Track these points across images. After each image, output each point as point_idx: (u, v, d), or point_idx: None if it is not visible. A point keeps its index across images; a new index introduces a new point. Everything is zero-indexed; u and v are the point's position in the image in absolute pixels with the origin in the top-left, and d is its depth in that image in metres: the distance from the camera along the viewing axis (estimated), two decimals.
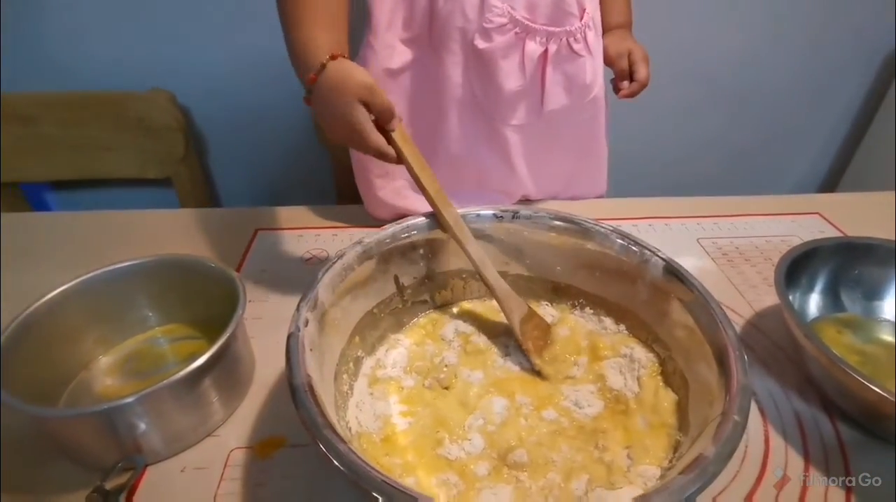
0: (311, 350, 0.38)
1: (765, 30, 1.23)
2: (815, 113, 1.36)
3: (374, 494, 0.28)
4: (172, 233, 0.73)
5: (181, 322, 0.55)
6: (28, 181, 1.11)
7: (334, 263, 0.45)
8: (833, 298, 0.54)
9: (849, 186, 1.35)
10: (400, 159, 0.48)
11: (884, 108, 1.29)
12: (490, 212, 0.51)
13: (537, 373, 0.47)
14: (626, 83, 0.69)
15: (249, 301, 0.58)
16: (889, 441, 0.43)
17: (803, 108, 1.35)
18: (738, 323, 0.58)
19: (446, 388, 0.46)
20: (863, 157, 1.34)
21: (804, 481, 0.42)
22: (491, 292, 0.49)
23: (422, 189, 0.48)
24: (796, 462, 0.43)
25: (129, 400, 0.39)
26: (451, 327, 0.51)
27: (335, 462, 0.30)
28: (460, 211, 0.51)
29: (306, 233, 0.72)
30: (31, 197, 1.20)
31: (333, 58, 0.46)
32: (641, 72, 0.68)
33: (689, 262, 0.67)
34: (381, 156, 0.47)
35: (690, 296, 0.42)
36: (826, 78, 1.32)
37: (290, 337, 0.38)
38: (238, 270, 0.66)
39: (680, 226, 0.74)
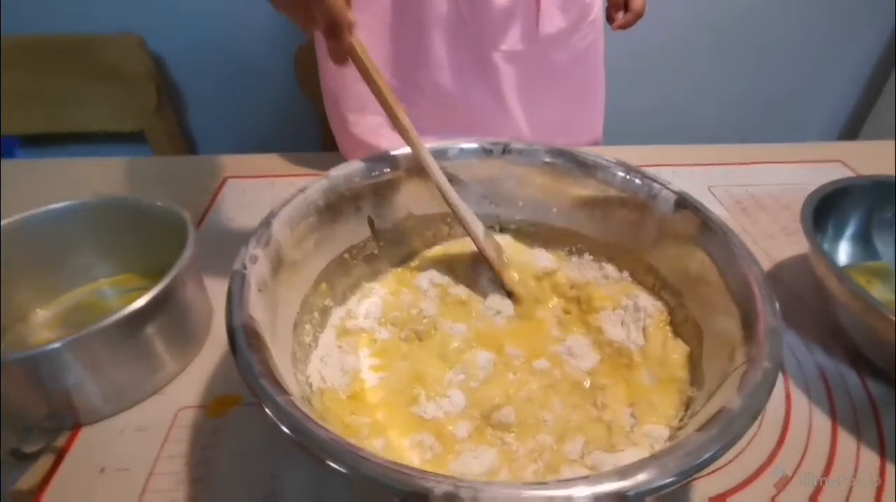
0: (259, 291, 0.32)
1: None
2: (834, 60, 1.28)
3: (317, 453, 0.23)
4: (136, 181, 0.67)
5: (132, 272, 0.49)
6: None
7: (294, 197, 0.39)
8: (864, 245, 0.48)
9: (869, 137, 1.28)
10: (351, 54, 0.39)
11: None
12: (477, 145, 0.45)
13: (524, 320, 0.41)
14: (620, 14, 0.63)
15: (210, 252, 0.52)
16: None
17: (821, 54, 1.26)
18: None
19: (422, 341, 0.40)
20: (885, 105, 1.25)
21: (832, 440, 0.37)
22: (447, 202, 0.42)
23: (373, 85, 0.40)
24: (822, 421, 0.38)
25: (56, 345, 0.34)
26: (426, 278, 0.44)
27: (272, 416, 0.24)
28: (444, 144, 0.44)
29: (279, 181, 0.66)
30: (2, 151, 1.13)
31: None
32: (637, 2, 0.62)
33: None
34: (333, 28, 0.37)
35: (707, 232, 0.36)
36: (845, 22, 1.23)
37: (233, 274, 0.32)
38: (202, 219, 0.60)
39: (689, 173, 0.68)
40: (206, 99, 1.13)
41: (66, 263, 0.47)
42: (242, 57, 1.08)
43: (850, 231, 0.47)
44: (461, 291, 0.44)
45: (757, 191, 0.65)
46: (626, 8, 0.63)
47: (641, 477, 0.21)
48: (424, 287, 0.44)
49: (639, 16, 0.63)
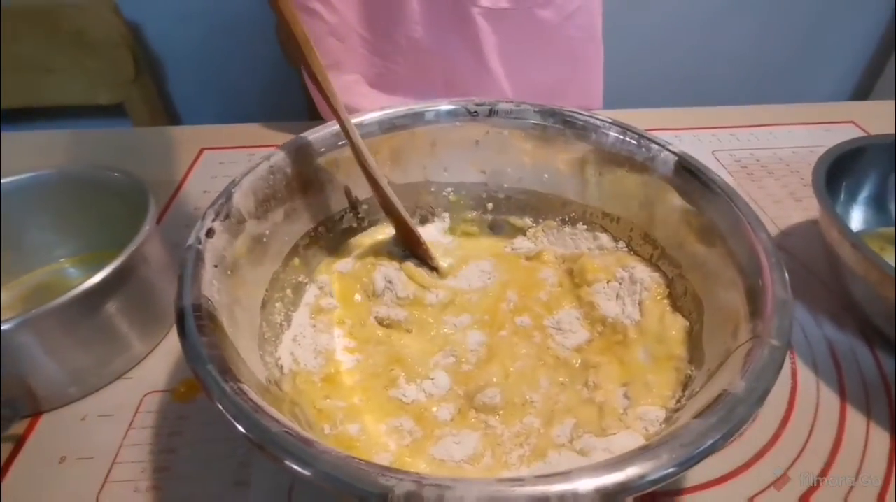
0: (215, 266, 0.29)
1: None
2: (844, 17, 1.21)
3: (266, 448, 0.20)
4: (109, 155, 0.63)
5: (100, 250, 0.46)
6: None
7: (258, 165, 0.36)
8: (878, 209, 0.45)
9: (882, 97, 1.22)
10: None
11: None
12: (461, 106, 0.41)
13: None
14: None
15: (186, 226, 0.50)
16: None
17: (831, 11, 1.20)
18: None
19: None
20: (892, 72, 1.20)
21: (840, 419, 0.34)
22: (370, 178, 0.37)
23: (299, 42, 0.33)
24: (830, 399, 0.35)
25: (6, 326, 0.31)
26: (381, 275, 0.40)
27: (218, 406, 0.22)
28: (423, 106, 0.41)
29: (258, 151, 0.63)
30: None
31: None
32: None
33: None
34: None
35: (710, 195, 0.32)
36: None
37: (185, 249, 0.29)
38: (176, 193, 0.57)
39: (692, 137, 0.64)
40: (187, 68, 1.08)
41: (25, 242, 0.44)
42: (224, 21, 1.02)
43: (864, 194, 0.44)
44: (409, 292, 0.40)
45: (764, 154, 0.61)
46: None
47: (631, 472, 0.19)
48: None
49: None
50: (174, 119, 1.13)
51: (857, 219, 0.44)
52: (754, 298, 0.26)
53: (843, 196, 0.43)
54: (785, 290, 0.25)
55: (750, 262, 0.28)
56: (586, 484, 0.18)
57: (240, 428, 0.21)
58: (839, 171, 0.41)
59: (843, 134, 0.64)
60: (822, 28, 1.22)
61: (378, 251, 0.42)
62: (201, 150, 0.63)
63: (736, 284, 0.28)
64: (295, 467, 0.19)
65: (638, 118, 0.65)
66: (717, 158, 0.61)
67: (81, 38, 0.89)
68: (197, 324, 0.25)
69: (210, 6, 1.00)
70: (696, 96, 0.92)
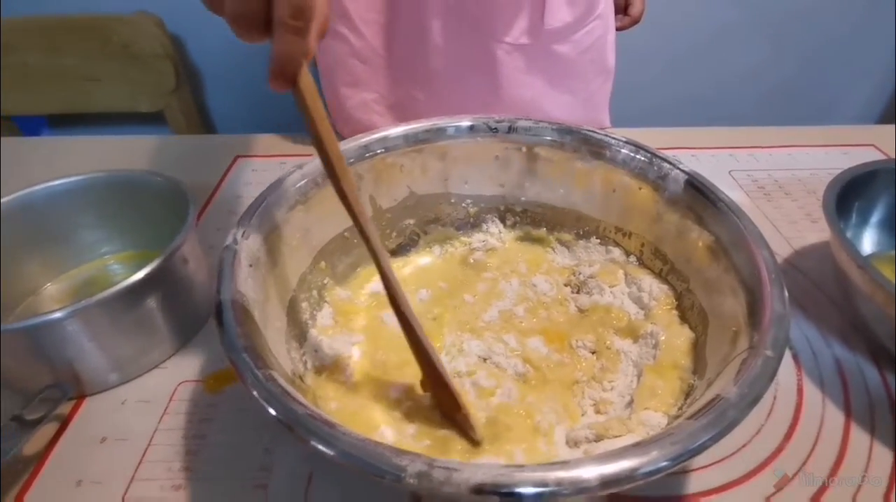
0: (250, 266, 0.32)
1: None
2: (870, 38, 1.20)
3: (294, 429, 0.22)
4: (148, 160, 0.68)
5: (141, 249, 0.50)
6: (15, 113, 1.07)
7: (291, 174, 0.39)
8: (890, 232, 0.45)
9: None
10: (294, 87, 0.27)
11: None
12: (482, 122, 0.43)
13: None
14: (619, 17, 0.67)
15: (218, 229, 0.53)
16: None
17: (857, 33, 1.19)
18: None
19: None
20: None
21: (844, 436, 0.35)
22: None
23: (329, 160, 0.29)
24: (835, 416, 0.36)
25: (58, 315, 0.34)
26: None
27: (251, 390, 0.24)
28: (445, 121, 0.43)
29: (288, 160, 0.66)
30: (27, 131, 1.16)
31: None
32: (636, 7, 0.66)
33: None
34: (298, 16, 0.24)
35: (716, 213, 0.34)
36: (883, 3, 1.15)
37: (223, 250, 0.32)
38: (212, 198, 0.60)
39: (710, 157, 0.65)
40: (223, 79, 1.13)
41: (74, 239, 0.47)
42: None
43: (876, 217, 0.44)
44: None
45: (781, 175, 0.62)
46: (625, 12, 0.66)
47: (625, 464, 0.21)
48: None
49: (636, 21, 0.67)
50: (209, 127, 1.19)
51: (869, 241, 0.45)
52: (753, 311, 0.27)
53: (854, 218, 0.44)
54: (783, 305, 0.27)
55: (751, 277, 0.29)
56: (585, 473, 0.20)
57: (271, 410, 0.23)
58: (852, 194, 0.42)
59: (863, 157, 0.64)
60: (847, 52, 1.22)
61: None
62: (236, 158, 0.67)
63: (738, 297, 0.29)
64: (320, 447, 0.22)
65: (656, 136, 0.67)
66: (734, 178, 0.62)
67: (128, 50, 0.95)
68: (234, 317, 0.28)
69: None
70: (721, 117, 0.93)
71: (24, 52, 0.95)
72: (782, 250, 0.51)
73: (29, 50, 0.95)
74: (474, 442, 0.31)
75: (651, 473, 0.20)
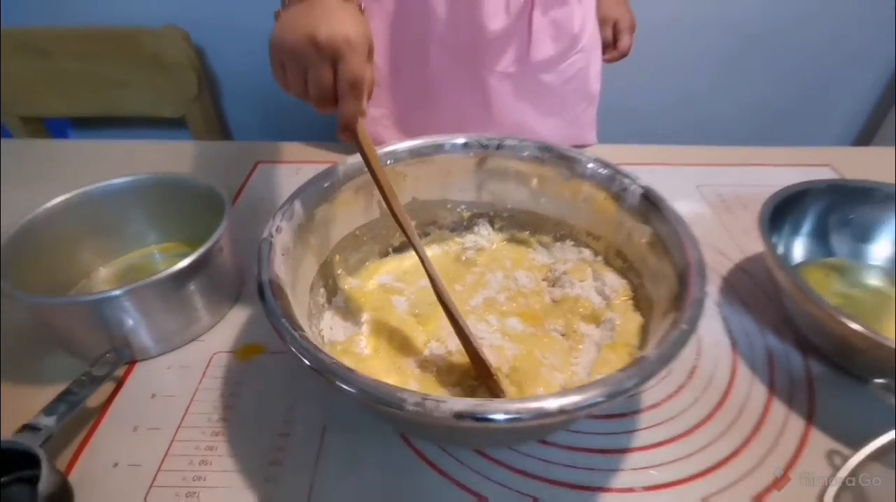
0: (282, 254, 0.39)
1: None
2: (850, 68, 1.29)
3: (324, 374, 0.30)
4: (175, 164, 0.75)
5: (178, 240, 0.57)
6: (48, 116, 1.15)
7: (315, 180, 0.46)
8: (822, 242, 0.53)
9: (883, 143, 1.29)
10: (355, 136, 0.39)
11: None
12: (474, 140, 0.51)
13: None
14: (608, 51, 0.75)
15: (243, 226, 0.60)
16: (857, 375, 0.43)
17: (837, 62, 1.28)
18: (727, 265, 0.57)
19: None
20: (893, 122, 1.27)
21: (765, 408, 0.42)
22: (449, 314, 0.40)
23: (380, 185, 0.41)
24: (760, 391, 0.44)
25: (117, 292, 0.42)
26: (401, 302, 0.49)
27: (290, 346, 0.31)
28: (443, 139, 0.51)
29: (305, 166, 0.73)
30: (55, 133, 1.24)
31: None
32: (623, 42, 0.74)
33: (684, 206, 0.64)
34: (354, 88, 0.36)
35: (663, 221, 0.41)
36: (863, 32, 1.24)
37: (262, 241, 0.39)
38: (236, 199, 0.68)
39: (681, 172, 0.73)
40: (240, 89, 1.21)
41: (123, 230, 0.55)
42: None
43: (806, 230, 0.51)
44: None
45: (743, 190, 0.69)
46: (614, 46, 0.75)
47: (573, 399, 0.28)
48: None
49: (623, 55, 0.75)
50: (226, 132, 1.27)
51: (802, 250, 0.52)
52: (680, 296, 0.35)
53: (792, 229, 0.52)
54: (701, 291, 0.34)
55: (682, 271, 0.37)
56: (547, 404, 0.27)
57: (305, 361, 0.31)
58: (787, 209, 0.50)
59: (820, 175, 0.71)
60: (827, 80, 1.30)
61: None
62: (256, 164, 0.75)
63: (672, 287, 0.37)
64: (343, 386, 0.29)
65: (635, 153, 0.75)
66: (700, 192, 0.69)
67: (156, 59, 1.03)
68: (273, 293, 0.35)
69: (265, 29, 1.13)
70: (703, 135, 1.01)
71: (61, 58, 1.03)
72: (735, 256, 0.58)
73: (66, 57, 1.03)
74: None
75: (591, 405, 0.28)
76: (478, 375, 0.40)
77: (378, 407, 0.29)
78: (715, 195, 0.68)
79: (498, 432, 0.33)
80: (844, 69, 1.30)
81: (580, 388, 0.29)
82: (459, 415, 0.27)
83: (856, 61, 1.30)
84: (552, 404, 0.28)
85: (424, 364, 0.43)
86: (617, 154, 0.75)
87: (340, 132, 0.39)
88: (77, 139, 1.27)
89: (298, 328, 0.33)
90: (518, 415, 0.28)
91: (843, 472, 0.31)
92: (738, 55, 1.26)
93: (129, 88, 1.08)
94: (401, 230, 0.42)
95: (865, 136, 1.37)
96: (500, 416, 0.27)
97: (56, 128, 1.24)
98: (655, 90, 1.26)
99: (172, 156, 0.77)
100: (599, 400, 0.28)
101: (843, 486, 0.31)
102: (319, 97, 0.37)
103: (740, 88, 1.30)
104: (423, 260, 0.41)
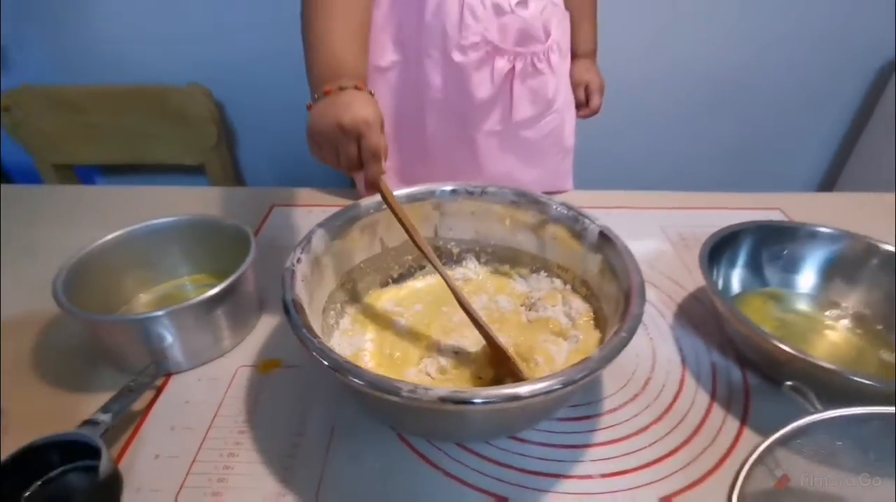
0: (301, 281, 0.48)
1: (765, 36, 1.30)
2: (813, 118, 1.42)
3: (338, 370, 0.38)
4: (198, 207, 0.84)
5: (207, 273, 0.66)
6: (80, 164, 1.26)
7: (329, 219, 0.55)
8: (758, 274, 0.61)
9: (845, 188, 1.41)
10: (380, 190, 0.50)
11: (877, 114, 1.34)
12: (462, 187, 0.61)
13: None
14: (581, 109, 0.87)
15: (261, 263, 0.69)
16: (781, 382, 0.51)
17: (801, 112, 1.41)
18: (682, 294, 0.66)
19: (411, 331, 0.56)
20: (858, 161, 1.39)
21: (706, 412, 0.50)
22: (476, 325, 0.49)
23: (401, 223, 0.51)
24: (703, 399, 0.51)
25: (159, 313, 0.50)
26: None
27: (311, 350, 0.40)
28: (437, 185, 0.60)
29: (316, 209, 0.83)
30: (83, 178, 1.35)
31: (358, 88, 0.50)
32: (594, 101, 0.86)
33: (648, 244, 0.75)
34: (375, 158, 0.48)
35: (615, 254, 0.50)
36: (824, 83, 1.38)
37: (286, 269, 0.48)
38: (256, 236, 0.77)
39: (647, 214, 0.82)
40: (254, 140, 1.33)
41: (160, 263, 0.63)
42: (289, 103, 1.28)
43: (742, 264, 0.60)
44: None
45: (701, 230, 0.76)
46: (586, 105, 0.86)
47: (537, 386, 0.36)
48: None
49: (594, 113, 0.87)
50: (240, 179, 1.38)
51: (740, 281, 0.61)
52: (624, 312, 0.43)
53: (727, 265, 0.60)
54: (639, 308, 0.42)
55: (627, 292, 0.45)
56: (515, 390, 0.35)
57: (325, 362, 0.39)
58: (726, 247, 0.59)
59: (769, 217, 0.82)
60: (789, 126, 1.43)
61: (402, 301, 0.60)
62: (272, 206, 0.84)
63: (620, 306, 0.45)
64: (354, 380, 0.37)
65: (607, 198, 0.85)
66: (663, 232, 0.78)
67: (180, 114, 1.15)
68: (295, 310, 0.43)
69: (279, 86, 1.26)
70: (677, 183, 1.12)
71: (95, 113, 1.15)
72: (689, 286, 0.67)
73: (99, 112, 1.15)
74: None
75: (551, 390, 0.36)
76: (495, 361, 0.49)
77: (380, 395, 0.37)
78: (676, 234, 0.78)
79: (476, 416, 0.41)
80: (805, 120, 1.44)
81: (541, 379, 0.37)
82: (443, 400, 0.35)
83: (816, 112, 1.43)
84: (520, 390, 0.36)
85: (420, 375, 0.51)
86: (591, 199, 0.86)
87: (367, 188, 0.51)
88: (104, 184, 1.37)
89: (316, 336, 0.41)
90: (489, 399, 0.36)
91: (755, 454, 0.38)
92: (703, 110, 1.39)
93: (155, 139, 1.20)
94: (423, 255, 0.51)
95: (829, 181, 1.48)
96: (477, 400, 0.35)
97: (84, 174, 1.35)
98: (628, 141, 1.38)
99: (195, 201, 0.87)
100: (557, 387, 0.36)
101: (756, 464, 0.38)
102: (349, 166, 0.50)
103: (706, 139, 1.43)
104: (441, 273, 0.50)
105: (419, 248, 0.51)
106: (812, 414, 0.40)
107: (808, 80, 1.37)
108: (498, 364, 0.49)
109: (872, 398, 0.41)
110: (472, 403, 0.36)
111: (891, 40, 1.31)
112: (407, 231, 0.51)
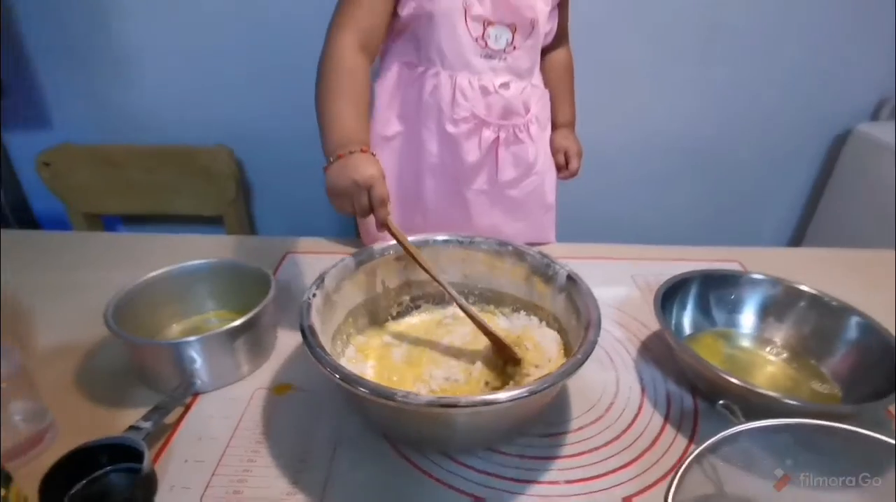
0: (316, 312, 0.57)
1: (732, 109, 1.46)
2: (778, 182, 1.56)
3: (346, 380, 0.47)
4: (219, 254, 0.94)
5: (229, 309, 0.75)
6: (109, 213, 1.38)
7: (338, 263, 0.65)
8: (708, 316, 0.71)
9: (812, 244, 1.52)
10: (389, 229, 0.62)
11: (834, 178, 1.48)
12: (453, 237, 0.71)
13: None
14: (563, 171, 0.99)
15: (278, 300, 0.78)
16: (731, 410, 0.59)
17: (767, 177, 1.55)
18: (646, 333, 0.75)
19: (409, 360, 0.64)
20: (820, 221, 1.51)
21: (660, 432, 0.58)
22: (474, 320, 0.63)
23: (409, 253, 0.62)
24: (658, 420, 0.59)
25: (192, 339, 0.59)
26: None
27: (324, 367, 0.48)
28: (433, 236, 0.71)
29: (325, 256, 0.93)
30: (108, 227, 1.46)
31: (363, 151, 0.63)
32: (572, 165, 0.98)
33: (619, 290, 0.85)
34: (381, 205, 0.61)
35: (580, 294, 0.60)
36: (787, 151, 1.53)
37: (303, 302, 0.57)
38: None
39: (619, 264, 0.92)
40: (269, 192, 1.46)
41: (190, 299, 0.73)
42: (302, 161, 1.41)
43: (694, 306, 0.70)
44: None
45: (666, 278, 0.89)
46: (566, 167, 0.97)
47: (509, 394, 0.45)
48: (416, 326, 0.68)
49: (573, 175, 0.99)
50: (254, 229, 1.49)
51: (694, 321, 0.70)
52: (583, 341, 0.52)
53: (679, 307, 0.69)
54: (595, 336, 0.52)
55: (587, 325, 0.54)
56: (496, 397, 0.44)
57: (336, 376, 0.47)
58: (677, 293, 0.69)
59: (727, 267, 0.92)
60: (755, 190, 1.57)
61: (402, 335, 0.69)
62: (286, 254, 0.94)
63: (580, 336, 0.54)
64: (360, 389, 0.46)
65: (585, 250, 0.96)
66: (633, 280, 0.88)
67: (205, 171, 1.28)
68: (311, 333, 0.52)
69: (294, 145, 1.40)
70: (658, 237, 1.23)
71: (130, 169, 1.28)
72: (653, 326, 0.76)
73: (134, 169, 1.28)
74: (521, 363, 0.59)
75: (518, 398, 0.44)
76: (495, 350, 0.62)
77: (379, 400, 0.45)
78: (644, 282, 0.88)
79: (459, 419, 0.49)
80: (770, 184, 1.57)
81: (509, 389, 0.45)
82: (430, 404, 0.44)
83: (780, 177, 1.57)
84: (497, 396, 0.44)
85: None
86: (571, 250, 0.96)
87: (379, 228, 0.63)
88: (126, 232, 1.49)
89: (328, 354, 0.50)
90: (469, 403, 0.44)
91: (689, 458, 0.46)
92: (676, 174, 1.54)
93: (179, 192, 1.32)
94: (425, 270, 0.63)
95: (797, 239, 1.60)
96: (460, 404, 0.44)
97: (108, 222, 1.47)
98: (607, 201, 1.51)
99: (217, 248, 0.97)
100: (524, 394, 0.45)
101: (688, 468, 0.46)
102: (362, 213, 0.62)
103: (679, 199, 1.56)
104: (438, 281, 0.63)
105: (421, 266, 0.63)
106: (735, 424, 0.48)
107: (772, 148, 1.52)
108: (497, 350, 0.61)
109: (788, 414, 0.49)
110: (456, 406, 0.44)
111: (844, 113, 1.47)
112: (411, 254, 0.62)
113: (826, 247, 1.05)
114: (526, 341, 0.60)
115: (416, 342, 0.68)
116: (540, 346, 0.60)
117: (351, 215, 0.63)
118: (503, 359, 0.62)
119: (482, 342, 0.67)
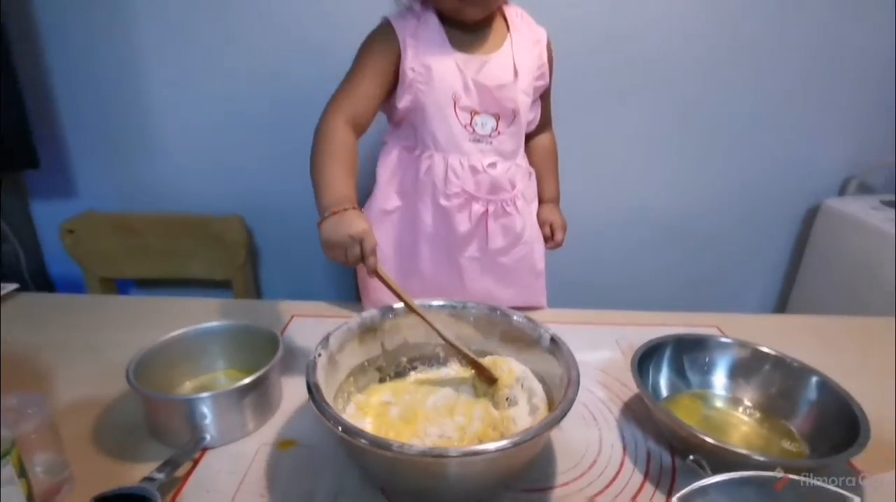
0: (321, 370, 0.63)
1: (710, 184, 1.57)
2: (756, 254, 1.65)
3: (348, 432, 0.51)
4: (229, 316, 1.01)
5: (238, 369, 0.80)
6: (122, 277, 1.45)
7: (342, 326, 0.71)
8: (684, 378, 0.76)
9: (795, 310, 1.58)
10: (378, 275, 0.70)
11: (809, 249, 1.56)
12: (448, 302, 0.78)
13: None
14: (550, 242, 1.07)
15: (284, 361, 0.83)
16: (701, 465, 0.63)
17: (746, 249, 1.63)
18: (629, 394, 0.79)
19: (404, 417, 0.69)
20: (799, 290, 1.58)
21: (640, 487, 0.61)
22: (456, 350, 0.72)
23: (396, 294, 0.70)
24: (638, 477, 0.63)
25: (205, 395, 0.64)
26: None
27: (328, 420, 0.53)
28: (430, 301, 0.77)
29: (329, 319, 0.99)
30: (121, 290, 1.53)
31: (354, 208, 0.73)
32: (557, 237, 1.06)
33: (603, 353, 0.90)
34: (370, 254, 0.69)
35: (562, 355, 0.65)
36: (763, 225, 1.62)
37: (309, 361, 0.63)
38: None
39: (604, 330, 0.98)
40: (275, 258, 1.54)
41: (202, 359, 0.78)
42: (307, 229, 1.51)
43: (671, 369, 0.75)
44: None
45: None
46: (552, 238, 1.05)
47: (497, 445, 0.49)
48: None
49: (558, 246, 1.07)
50: (260, 292, 1.56)
51: (672, 383, 0.75)
52: (563, 397, 0.58)
53: (655, 370, 0.75)
54: (574, 394, 0.57)
55: (567, 384, 0.60)
56: (475, 448, 0.49)
57: (339, 428, 0.52)
58: (653, 356, 0.74)
59: (707, 333, 0.97)
60: (736, 262, 1.65)
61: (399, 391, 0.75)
62: (292, 317, 1.01)
63: (561, 393, 0.60)
64: (361, 440, 0.50)
65: (572, 316, 1.02)
66: (617, 344, 0.94)
67: (218, 239, 1.37)
68: (316, 389, 0.58)
69: (301, 215, 1.49)
70: (643, 304, 1.29)
71: (148, 236, 1.37)
72: (635, 388, 0.80)
73: (152, 236, 1.37)
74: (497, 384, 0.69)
75: (503, 449, 0.49)
76: (476, 373, 0.71)
77: (377, 451, 0.50)
78: (627, 345, 0.93)
79: (450, 469, 0.53)
80: (749, 256, 1.66)
81: (495, 442, 0.50)
82: (424, 453, 0.49)
83: (758, 250, 1.66)
84: (481, 448, 0.49)
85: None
86: (560, 316, 1.02)
87: (370, 274, 0.70)
88: (138, 295, 1.55)
89: (333, 409, 0.55)
90: (460, 456, 0.49)
91: None
92: (658, 246, 1.62)
93: (192, 258, 1.40)
94: (416, 313, 0.72)
95: (780, 307, 1.66)
96: (451, 453, 0.49)
97: (122, 285, 1.54)
98: (594, 269, 1.58)
99: (227, 310, 1.03)
100: (508, 446, 0.50)
101: None
102: (354, 261, 0.69)
103: (661, 269, 1.64)
104: (421, 316, 0.71)
105: (407, 304, 0.71)
106: (705, 477, 0.52)
107: (749, 221, 1.62)
108: (477, 374, 0.71)
109: (753, 467, 0.54)
110: (447, 457, 0.49)
111: (813, 190, 1.58)
112: (398, 295, 0.70)
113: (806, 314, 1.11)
114: (502, 364, 0.70)
115: (412, 401, 0.72)
116: (513, 371, 0.69)
117: (343, 263, 0.71)
118: (483, 380, 0.71)
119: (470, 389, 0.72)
